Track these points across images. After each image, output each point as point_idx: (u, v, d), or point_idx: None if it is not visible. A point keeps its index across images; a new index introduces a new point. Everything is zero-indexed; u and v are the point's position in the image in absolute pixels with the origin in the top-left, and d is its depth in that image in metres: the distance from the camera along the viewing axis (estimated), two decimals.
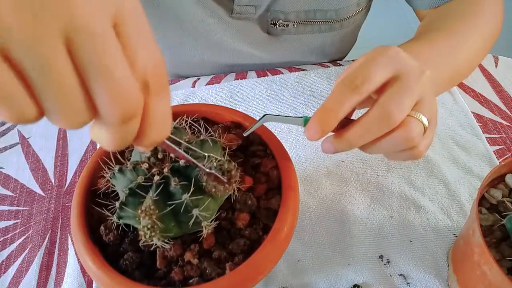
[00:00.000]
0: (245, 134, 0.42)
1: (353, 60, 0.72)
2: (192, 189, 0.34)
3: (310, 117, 0.37)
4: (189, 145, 0.36)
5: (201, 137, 0.38)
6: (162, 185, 0.35)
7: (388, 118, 0.35)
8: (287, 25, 0.65)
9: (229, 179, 0.34)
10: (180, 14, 0.64)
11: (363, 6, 0.68)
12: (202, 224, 0.35)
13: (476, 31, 0.54)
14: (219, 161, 0.35)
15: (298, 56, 0.73)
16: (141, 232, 0.33)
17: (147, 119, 0.25)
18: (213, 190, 0.34)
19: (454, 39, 0.52)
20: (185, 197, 0.34)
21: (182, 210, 0.34)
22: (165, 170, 0.35)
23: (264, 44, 0.70)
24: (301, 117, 0.39)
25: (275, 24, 0.65)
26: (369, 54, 0.37)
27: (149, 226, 0.32)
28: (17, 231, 0.54)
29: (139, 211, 0.33)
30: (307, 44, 0.71)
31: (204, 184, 0.34)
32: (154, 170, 0.36)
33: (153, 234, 0.33)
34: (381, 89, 0.36)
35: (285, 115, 0.39)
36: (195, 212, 0.34)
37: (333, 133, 0.38)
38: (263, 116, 0.40)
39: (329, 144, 0.38)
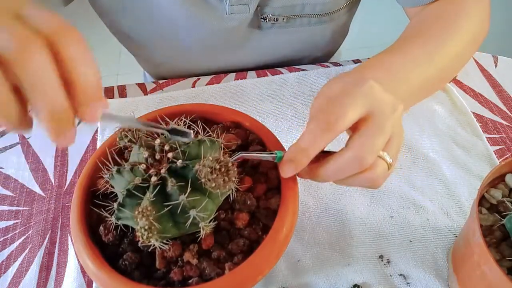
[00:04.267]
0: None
1: (353, 60, 0.72)
2: (189, 190, 0.34)
3: (283, 153, 0.39)
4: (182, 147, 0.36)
5: (199, 137, 0.37)
6: (159, 186, 0.35)
7: (361, 162, 0.36)
8: (277, 19, 0.66)
9: (227, 171, 0.34)
10: (173, 26, 0.66)
11: None
12: (200, 225, 0.35)
13: (456, 35, 0.53)
14: (215, 157, 0.35)
15: (289, 50, 0.74)
16: (138, 233, 0.33)
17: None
18: (213, 185, 0.34)
19: (430, 46, 0.51)
20: (182, 198, 0.34)
21: (179, 211, 0.34)
22: (162, 171, 0.35)
23: (255, 39, 0.70)
24: (274, 153, 0.40)
25: (265, 19, 0.66)
26: (341, 88, 0.38)
27: (146, 227, 0.32)
28: (17, 231, 0.54)
29: (136, 212, 0.33)
30: (297, 38, 0.72)
31: (203, 180, 0.34)
32: (151, 171, 0.36)
33: (150, 235, 0.33)
34: (354, 126, 0.37)
35: (259, 153, 0.41)
36: (192, 213, 0.34)
37: None
38: (238, 153, 0.40)
39: (304, 173, 0.40)
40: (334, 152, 0.39)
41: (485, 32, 0.57)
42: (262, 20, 0.67)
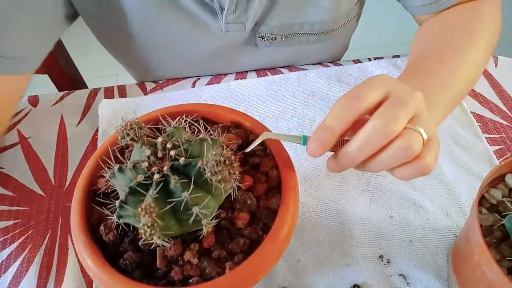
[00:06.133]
0: (246, 151, 0.42)
1: (353, 60, 0.72)
2: (192, 186, 0.34)
3: (307, 136, 0.39)
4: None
5: (201, 136, 0.38)
6: (162, 183, 0.35)
7: (383, 128, 0.35)
8: (275, 38, 0.66)
9: (231, 164, 0.35)
10: (166, 43, 0.66)
11: (353, 16, 0.68)
12: (202, 222, 0.35)
13: (477, 44, 0.53)
14: (218, 151, 0.35)
15: (284, 65, 0.73)
16: (141, 231, 0.33)
17: None
18: (219, 177, 0.34)
19: (454, 63, 0.51)
20: (185, 195, 0.34)
21: (182, 208, 0.34)
22: (165, 168, 0.35)
23: (251, 57, 0.70)
24: (300, 136, 0.40)
25: (263, 38, 0.66)
26: (362, 81, 0.39)
27: (149, 224, 0.32)
28: (17, 231, 0.54)
29: (139, 209, 0.33)
30: (295, 55, 0.71)
31: (208, 174, 0.34)
32: (154, 168, 0.36)
33: (153, 232, 0.33)
34: (375, 109, 0.37)
35: (285, 135, 0.41)
36: (195, 210, 0.34)
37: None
38: (263, 133, 0.40)
39: (333, 162, 0.39)
40: None
41: (498, 35, 0.57)
42: (259, 38, 0.66)
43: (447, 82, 0.50)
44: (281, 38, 0.66)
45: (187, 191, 0.34)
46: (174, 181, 0.34)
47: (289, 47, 0.68)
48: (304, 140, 0.39)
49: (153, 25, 0.63)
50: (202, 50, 0.67)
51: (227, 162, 0.34)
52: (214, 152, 0.35)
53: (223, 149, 0.37)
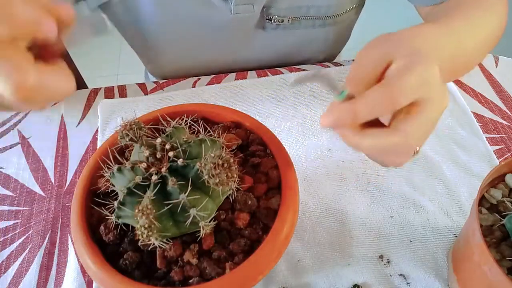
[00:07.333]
0: (293, 85, 0.37)
1: (353, 60, 0.72)
2: (189, 188, 0.34)
3: (346, 93, 0.35)
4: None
5: (200, 137, 0.37)
6: (159, 185, 0.35)
7: (409, 148, 0.35)
8: (282, 21, 0.68)
9: (229, 167, 0.34)
10: (177, 26, 0.67)
11: (357, 3, 0.70)
12: (200, 224, 0.35)
13: (489, 15, 0.52)
14: (217, 153, 0.35)
15: (292, 52, 0.75)
16: (138, 232, 0.33)
17: None
18: (217, 180, 0.34)
19: (467, 24, 0.49)
20: (182, 197, 0.34)
21: (179, 209, 0.34)
22: (163, 169, 0.35)
23: (259, 39, 0.71)
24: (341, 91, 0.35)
25: (270, 20, 0.67)
26: (408, 62, 0.34)
27: (146, 226, 0.32)
28: (17, 231, 0.54)
29: (136, 210, 0.33)
30: (301, 40, 0.73)
31: (205, 177, 0.34)
32: (152, 169, 0.36)
33: (150, 233, 0.33)
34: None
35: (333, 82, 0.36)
36: (193, 212, 0.34)
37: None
38: (314, 70, 0.36)
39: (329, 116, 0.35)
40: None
41: (503, 28, 0.57)
42: (267, 21, 0.68)
43: (462, 43, 0.47)
44: (288, 20, 0.68)
45: (185, 193, 0.34)
46: (171, 183, 0.34)
47: (295, 30, 0.70)
48: (342, 97, 0.35)
49: (163, 4, 0.64)
50: (212, 33, 0.68)
51: (225, 165, 0.34)
52: (212, 154, 0.34)
53: (222, 151, 0.36)
